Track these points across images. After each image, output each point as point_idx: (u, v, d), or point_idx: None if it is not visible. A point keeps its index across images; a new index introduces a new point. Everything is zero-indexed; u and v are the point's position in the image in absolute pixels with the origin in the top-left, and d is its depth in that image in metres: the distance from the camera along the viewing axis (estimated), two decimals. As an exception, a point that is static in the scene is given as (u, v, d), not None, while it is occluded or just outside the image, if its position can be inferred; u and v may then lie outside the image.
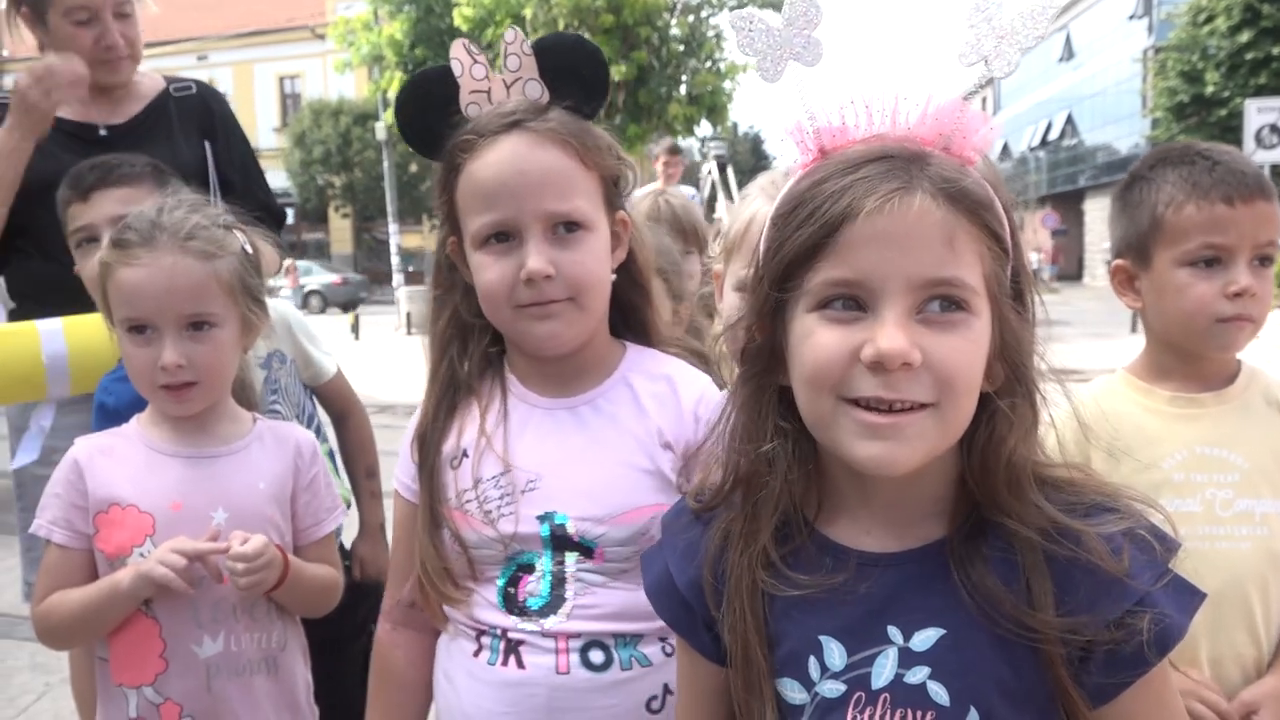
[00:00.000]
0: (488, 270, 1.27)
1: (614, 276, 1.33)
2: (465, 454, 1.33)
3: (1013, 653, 0.92)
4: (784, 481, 0.98)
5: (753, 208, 1.53)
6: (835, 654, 0.97)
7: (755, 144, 58.45)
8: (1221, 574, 1.45)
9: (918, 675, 0.94)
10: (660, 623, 1.24)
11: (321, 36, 30.30)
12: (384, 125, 21.00)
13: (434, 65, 1.33)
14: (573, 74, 1.30)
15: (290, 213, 36.22)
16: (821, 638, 0.98)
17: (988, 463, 0.93)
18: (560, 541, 1.27)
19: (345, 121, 31.29)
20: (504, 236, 1.26)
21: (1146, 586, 0.90)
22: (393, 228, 22.96)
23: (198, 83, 2.69)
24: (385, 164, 22.85)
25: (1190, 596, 0.93)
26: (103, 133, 2.45)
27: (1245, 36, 22.04)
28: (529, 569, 1.28)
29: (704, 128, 20.57)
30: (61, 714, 3.43)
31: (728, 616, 1.01)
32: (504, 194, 1.24)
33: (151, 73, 2.65)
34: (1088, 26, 37.10)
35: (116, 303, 1.56)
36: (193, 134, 2.55)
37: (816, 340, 0.91)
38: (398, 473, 1.42)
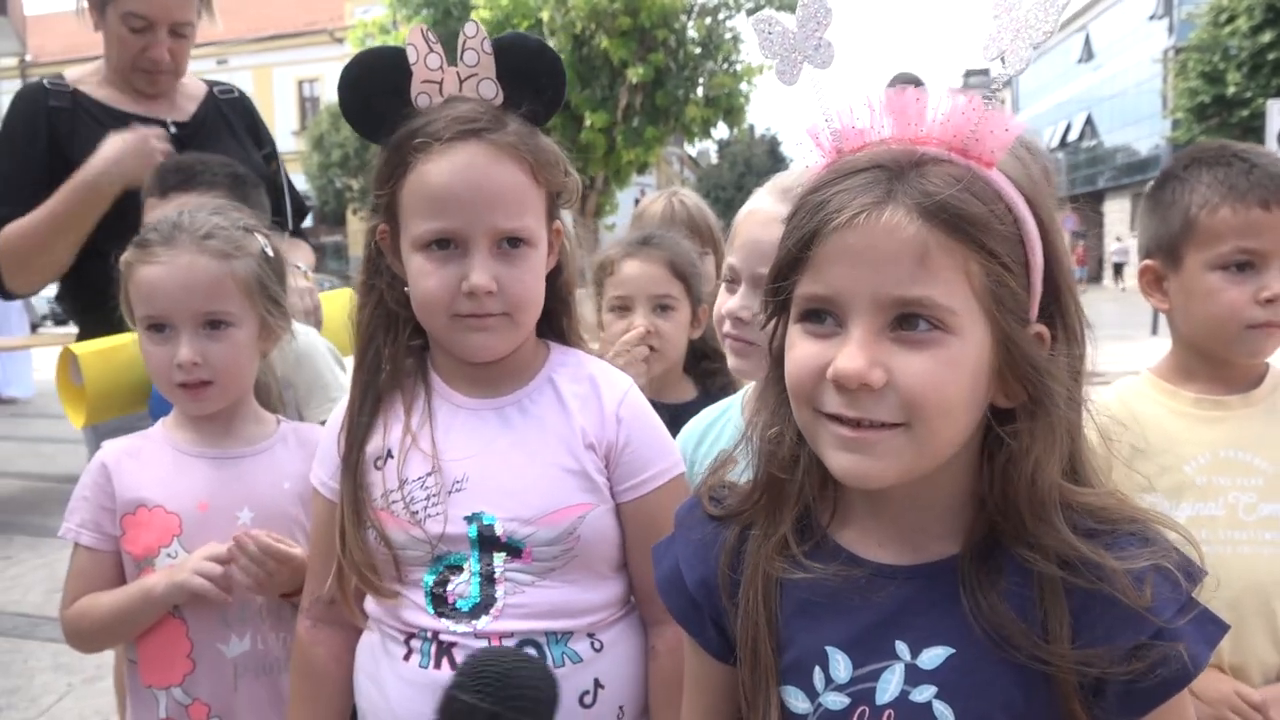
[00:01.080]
0: (428, 277, 1.26)
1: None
2: (390, 454, 1.32)
3: (1024, 678, 0.90)
4: (805, 479, 0.99)
5: (752, 203, 1.53)
6: (841, 666, 0.96)
7: (772, 146, 58.33)
8: (1243, 579, 1.44)
9: (924, 694, 0.93)
10: (589, 618, 1.31)
11: (340, 40, 30.44)
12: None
13: (386, 46, 1.31)
14: (530, 81, 1.29)
15: (309, 216, 36.34)
16: (828, 648, 0.97)
17: (1006, 483, 0.91)
18: (488, 542, 1.28)
19: (363, 125, 31.42)
20: (446, 244, 1.25)
21: (1167, 620, 0.88)
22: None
23: (235, 87, 2.75)
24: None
25: (1214, 628, 0.92)
26: (172, 130, 2.47)
27: (1267, 36, 21.84)
28: (456, 570, 1.28)
29: (720, 130, 20.57)
30: (84, 714, 3.46)
31: (741, 612, 1.01)
32: (454, 205, 1.23)
33: (191, 77, 2.68)
34: (1107, 27, 36.84)
35: (136, 301, 1.58)
36: (247, 136, 2.61)
37: (794, 353, 0.92)
38: (316, 469, 1.42)
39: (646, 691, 1.36)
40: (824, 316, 0.89)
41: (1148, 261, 1.60)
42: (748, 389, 1.65)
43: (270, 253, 1.65)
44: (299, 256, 2.45)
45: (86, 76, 2.55)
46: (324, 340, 2.15)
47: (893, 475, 0.89)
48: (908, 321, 0.86)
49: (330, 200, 33.59)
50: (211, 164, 2.05)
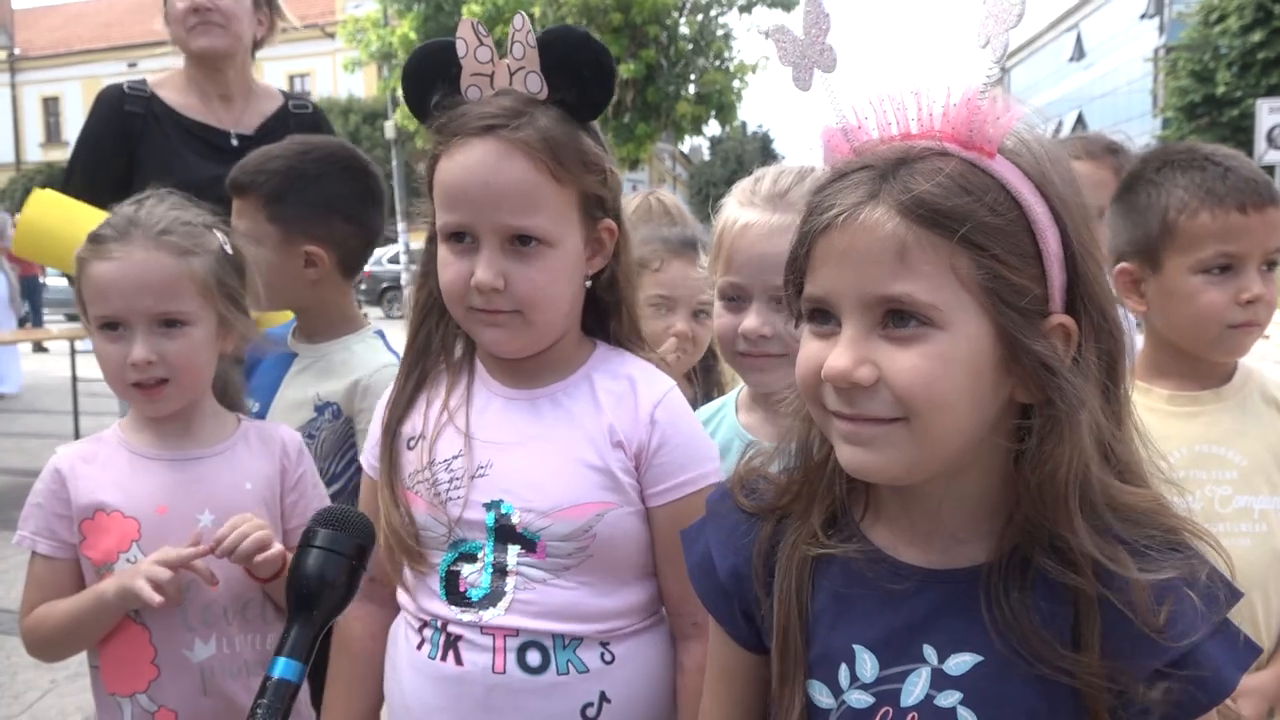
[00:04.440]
0: (446, 268, 1.28)
1: (588, 283, 1.34)
2: (423, 435, 1.34)
3: (1050, 690, 0.89)
4: (835, 474, 1.00)
5: (724, 215, 1.53)
6: (868, 665, 0.96)
7: (765, 143, 58.36)
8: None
9: (949, 699, 0.93)
10: (602, 625, 1.28)
11: (331, 35, 30.32)
12: (393, 124, 21.03)
13: (447, 39, 1.30)
14: (573, 72, 1.26)
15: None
16: (856, 646, 0.97)
17: (1030, 480, 0.89)
18: (504, 532, 1.27)
19: (354, 120, 31.34)
20: (463, 237, 1.26)
21: (1190, 640, 0.86)
22: (400, 226, 22.99)
23: (312, 104, 2.82)
24: (394, 163, 22.88)
25: (1246, 652, 0.90)
26: (234, 141, 2.54)
27: (1257, 36, 21.91)
28: (471, 558, 1.28)
29: (712, 127, 20.61)
30: (66, 710, 3.44)
31: (775, 601, 1.00)
32: (464, 200, 1.25)
33: (268, 85, 2.79)
34: (1098, 26, 36.96)
35: (89, 299, 1.53)
36: None
37: (802, 352, 0.94)
38: (365, 451, 1.43)
39: (662, 713, 1.32)
40: (826, 316, 0.91)
41: (1123, 265, 1.60)
42: (741, 388, 1.65)
43: (229, 250, 1.61)
44: None
45: (167, 80, 2.65)
46: None
47: (897, 469, 0.90)
48: (897, 318, 0.87)
49: (321, 196, 33.52)
50: (244, 165, 1.95)
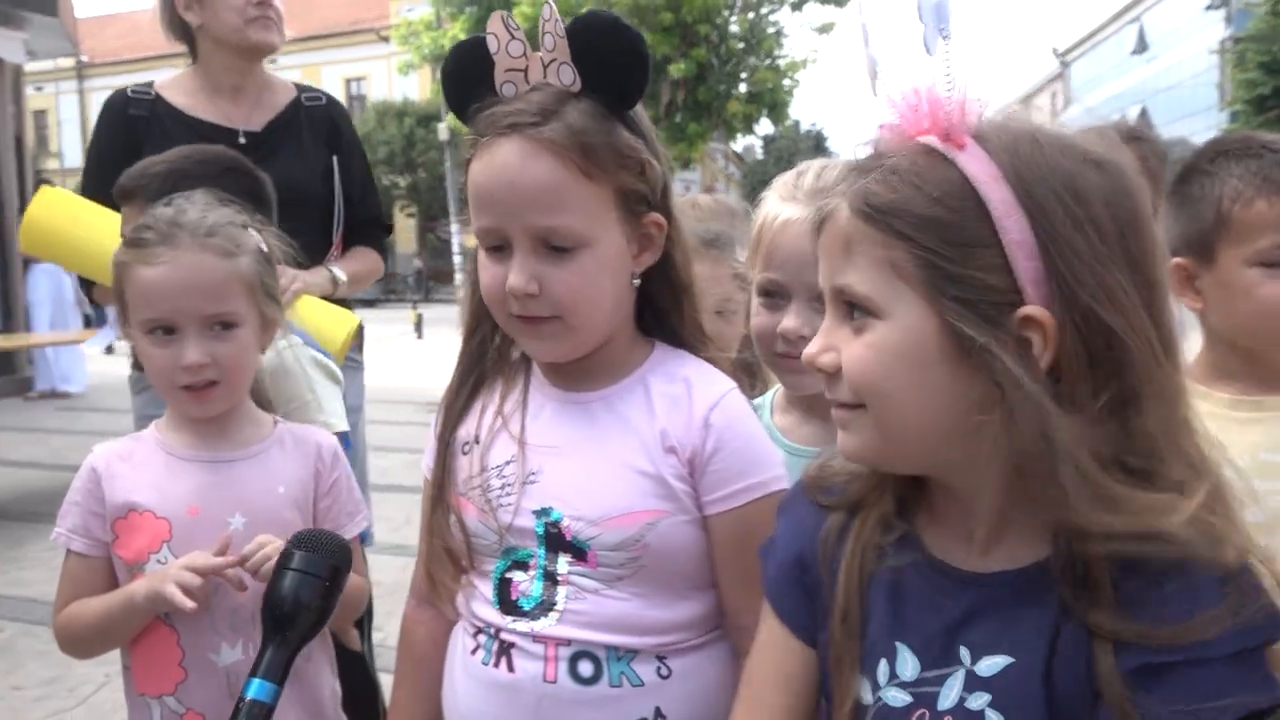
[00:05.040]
0: (484, 273, 1.25)
1: (638, 281, 1.29)
2: (477, 439, 1.32)
3: (1079, 693, 0.87)
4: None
5: (764, 209, 1.48)
6: (909, 664, 0.96)
7: (818, 141, 57.91)
8: None
9: (978, 701, 0.91)
10: (657, 639, 1.23)
11: (385, 39, 30.76)
12: (446, 126, 21.21)
13: (480, 36, 1.26)
14: (604, 61, 1.20)
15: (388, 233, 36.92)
16: (898, 644, 0.96)
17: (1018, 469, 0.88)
18: (554, 540, 1.24)
19: (409, 123, 31.75)
20: (497, 243, 1.23)
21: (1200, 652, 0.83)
22: (454, 227, 23.19)
23: (328, 96, 2.76)
24: (447, 164, 23.10)
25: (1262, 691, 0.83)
26: (241, 140, 2.51)
27: (1330, 25, 21.22)
28: (523, 566, 1.25)
29: (764, 125, 20.48)
30: (120, 704, 3.48)
31: (839, 588, 1.01)
32: (492, 203, 1.21)
33: (282, 78, 2.74)
34: (1162, 18, 36.03)
35: (136, 304, 1.53)
36: (320, 145, 2.62)
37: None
38: (426, 456, 1.41)
39: None
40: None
41: (1178, 260, 1.53)
42: (778, 388, 1.61)
43: (265, 248, 1.61)
44: (343, 268, 2.50)
45: (173, 82, 2.62)
46: (310, 354, 2.05)
47: (870, 454, 0.96)
48: (854, 309, 0.92)
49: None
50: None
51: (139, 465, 1.58)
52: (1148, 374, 0.86)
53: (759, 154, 56.36)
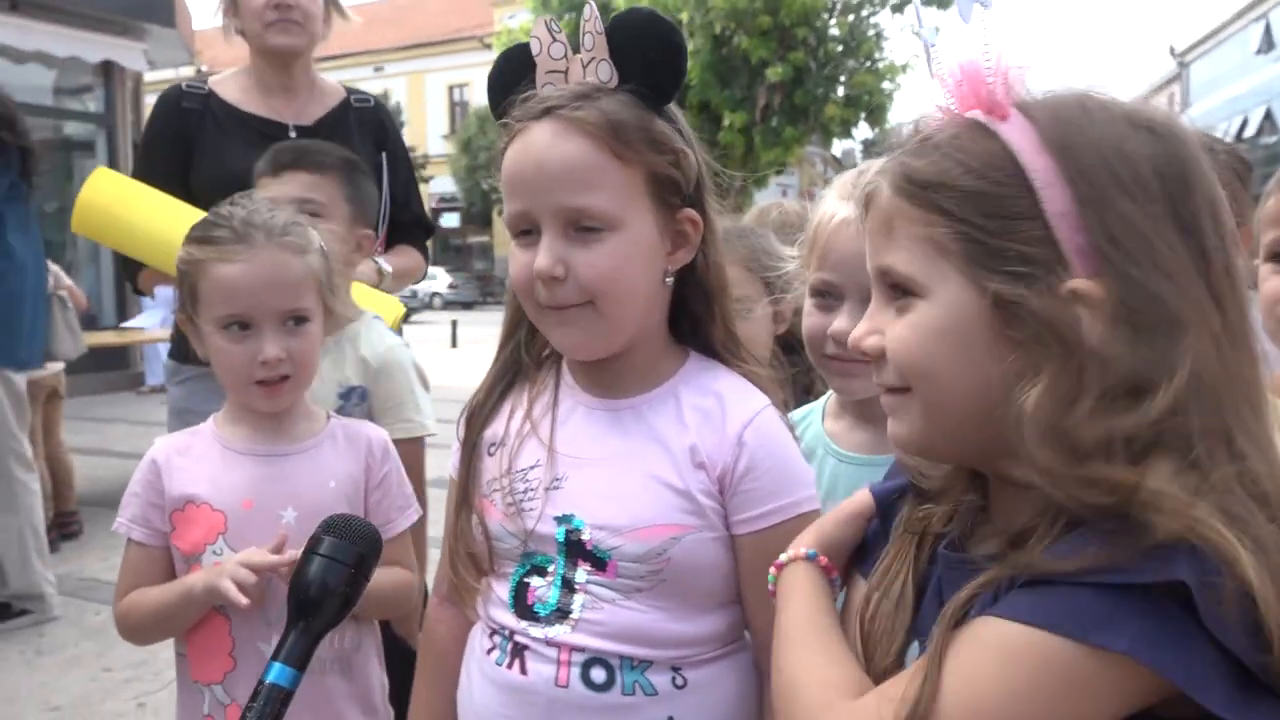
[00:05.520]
0: (513, 262, 1.23)
1: (670, 280, 1.25)
2: (504, 442, 1.30)
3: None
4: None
5: (822, 208, 1.43)
6: (912, 655, 0.93)
7: (920, 146, 56.91)
8: None
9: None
10: (673, 652, 1.19)
11: (488, 46, 31.27)
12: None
13: (524, 43, 1.27)
14: (641, 55, 1.19)
15: (456, 216, 37.73)
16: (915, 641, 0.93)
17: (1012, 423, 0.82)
18: (574, 548, 1.21)
19: (509, 128, 32.26)
20: (527, 229, 1.20)
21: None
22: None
23: (375, 99, 2.83)
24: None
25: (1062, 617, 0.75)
26: (292, 134, 2.58)
27: None
28: (542, 572, 1.23)
29: (862, 129, 20.13)
30: (202, 690, 3.62)
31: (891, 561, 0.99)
32: (520, 185, 1.19)
33: (332, 81, 2.80)
34: (1291, 15, 34.27)
35: (211, 300, 1.56)
36: (369, 145, 2.67)
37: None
38: (452, 456, 1.39)
39: None
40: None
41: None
42: (830, 394, 1.56)
43: (325, 246, 1.66)
44: (389, 262, 2.55)
45: (229, 79, 2.69)
46: (412, 356, 2.15)
47: (916, 440, 0.92)
48: (897, 290, 0.89)
49: (477, 201, 34.58)
50: (326, 146, 2.10)
51: (197, 458, 1.62)
52: (1201, 353, 0.79)
53: (858, 159, 55.66)
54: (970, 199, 0.83)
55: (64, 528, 5.59)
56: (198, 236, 1.60)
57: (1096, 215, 0.80)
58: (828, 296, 1.43)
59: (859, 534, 1.07)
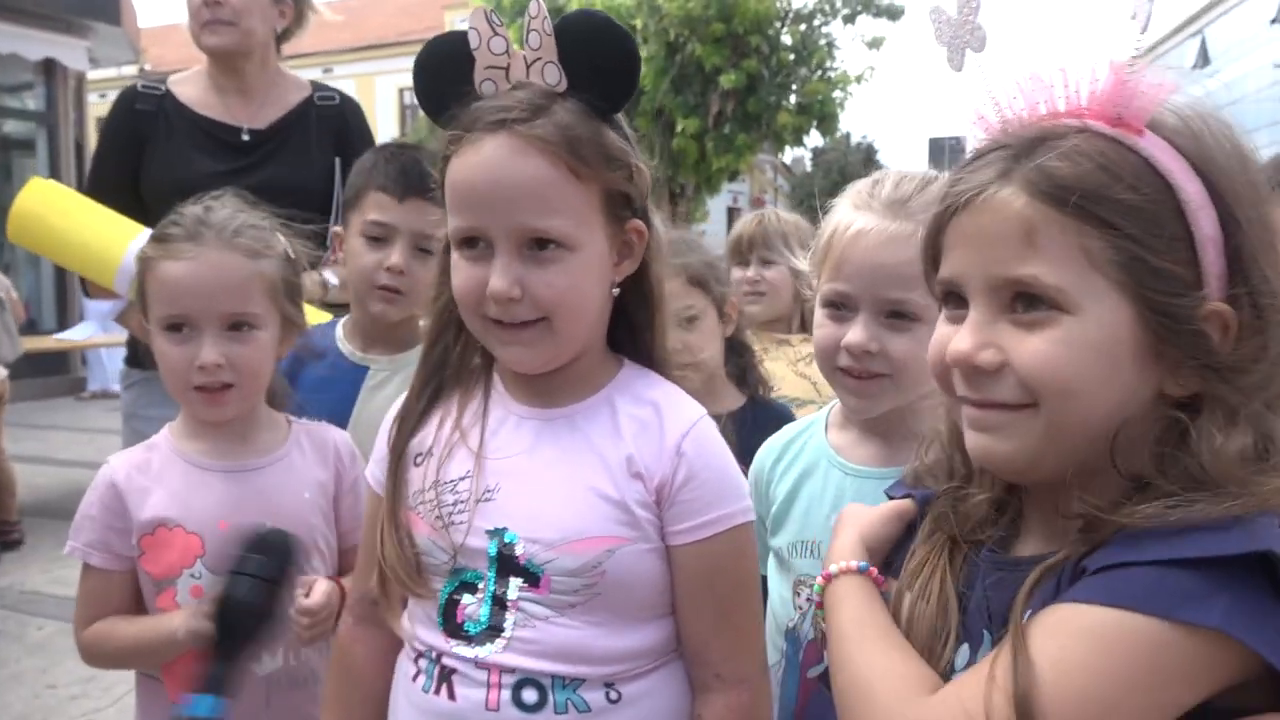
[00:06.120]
0: (458, 274, 1.18)
1: (616, 290, 1.23)
2: (431, 452, 1.25)
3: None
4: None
5: (835, 217, 1.41)
6: (963, 659, 0.92)
7: (869, 154, 57.43)
8: None
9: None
10: (608, 668, 1.17)
11: (439, 49, 31.09)
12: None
13: (459, 31, 1.19)
14: (592, 61, 1.15)
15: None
16: (967, 644, 0.93)
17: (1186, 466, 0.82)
18: (507, 563, 1.17)
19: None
20: (476, 242, 1.16)
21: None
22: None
23: (341, 95, 2.72)
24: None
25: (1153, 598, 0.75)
26: (245, 137, 2.51)
27: (1402, 40, 20.59)
28: (471, 588, 1.18)
29: (814, 137, 20.33)
30: (152, 706, 3.53)
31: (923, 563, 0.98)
32: (475, 201, 1.15)
33: (298, 76, 2.72)
34: (1224, 32, 35.24)
35: (156, 299, 1.52)
36: (327, 145, 2.59)
37: (935, 336, 0.93)
38: (371, 464, 1.34)
39: None
40: (959, 300, 0.90)
41: None
42: (834, 404, 1.54)
43: (291, 254, 1.60)
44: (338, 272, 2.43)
45: (187, 79, 2.61)
46: None
47: (1022, 460, 0.87)
48: (1026, 301, 0.84)
49: (427, 205, 34.31)
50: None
51: (158, 476, 1.55)
52: None
53: (808, 166, 56.08)
54: (1131, 214, 0.81)
55: (4, 537, 5.43)
56: (155, 234, 1.55)
57: (1233, 239, 0.82)
58: (841, 308, 1.41)
59: (898, 534, 1.05)
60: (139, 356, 2.51)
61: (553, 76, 1.15)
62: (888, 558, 1.04)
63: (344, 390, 1.90)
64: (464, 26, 1.19)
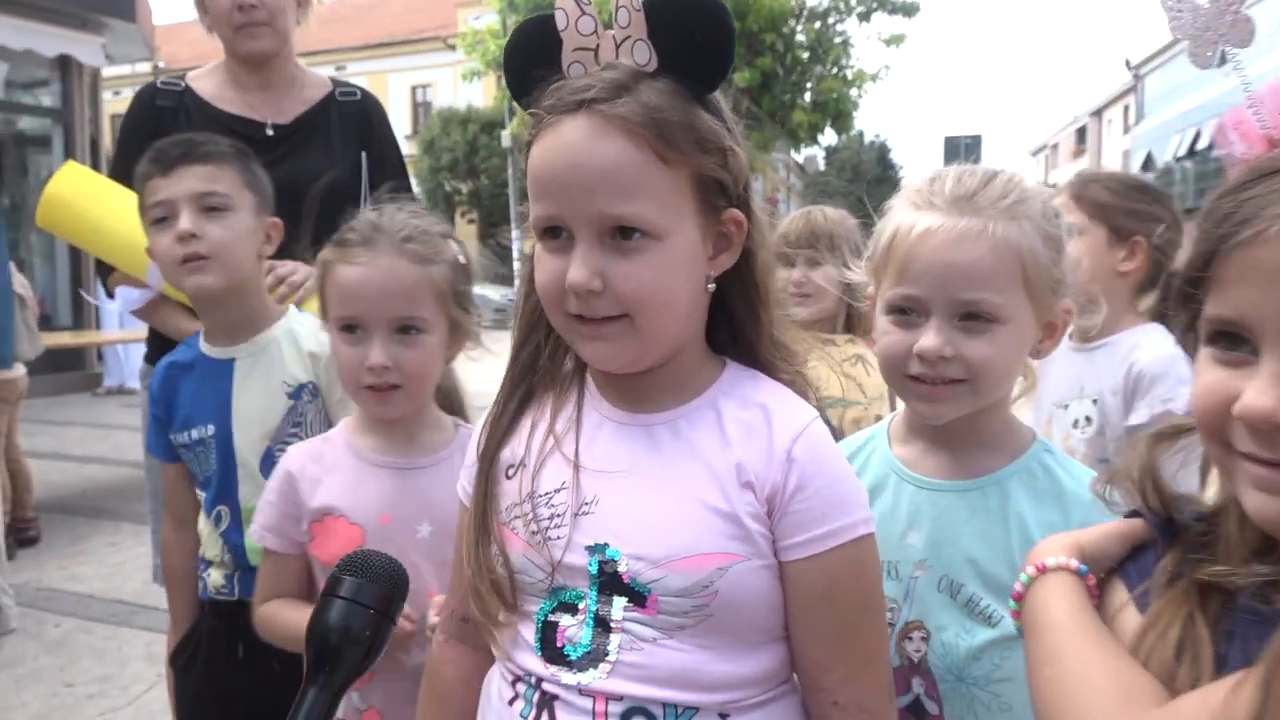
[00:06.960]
0: (540, 267, 1.11)
1: (713, 286, 1.14)
2: (524, 463, 1.17)
3: None
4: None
5: (895, 219, 1.34)
6: None
7: (881, 153, 57.25)
8: None
9: None
10: (721, 695, 1.08)
11: (452, 47, 31.07)
12: (509, 133, 21.35)
13: (548, 14, 1.13)
14: (685, 37, 1.06)
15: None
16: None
17: None
18: (609, 581, 1.09)
19: (473, 129, 32.00)
20: (557, 232, 1.08)
21: None
22: (515, 234, 23.32)
23: (362, 90, 2.72)
24: (509, 171, 23.25)
25: None
26: (269, 131, 2.50)
27: None
28: (571, 609, 1.11)
29: (828, 136, 20.25)
30: (169, 705, 3.49)
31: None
32: (554, 187, 1.07)
33: (317, 73, 2.71)
34: (1243, 29, 34.97)
35: (332, 301, 1.58)
36: (351, 141, 2.60)
37: (1199, 381, 0.82)
38: (462, 478, 1.27)
39: None
40: (1237, 342, 0.79)
41: None
42: (894, 415, 1.47)
43: (463, 259, 1.63)
44: None
45: (206, 74, 2.60)
46: None
47: None
48: None
49: (439, 203, 34.31)
50: (213, 137, 2.00)
51: (330, 468, 1.63)
52: None
53: (820, 165, 55.92)
54: None
55: (21, 534, 5.41)
56: (335, 239, 1.61)
57: None
58: (910, 313, 1.32)
59: (1121, 555, 0.96)
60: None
61: (643, 55, 1.07)
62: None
63: (218, 388, 1.96)
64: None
